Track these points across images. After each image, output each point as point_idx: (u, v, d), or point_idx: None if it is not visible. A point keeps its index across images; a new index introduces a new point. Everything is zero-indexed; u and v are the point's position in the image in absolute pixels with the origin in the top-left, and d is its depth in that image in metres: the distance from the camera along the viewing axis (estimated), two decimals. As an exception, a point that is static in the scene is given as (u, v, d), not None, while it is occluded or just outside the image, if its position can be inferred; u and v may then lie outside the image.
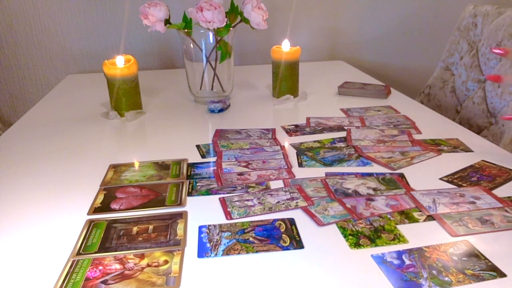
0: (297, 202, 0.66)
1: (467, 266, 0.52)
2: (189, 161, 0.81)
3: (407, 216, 0.62)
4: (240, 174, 0.76)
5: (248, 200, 0.67)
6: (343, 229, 0.60)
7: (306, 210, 0.64)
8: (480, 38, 1.30)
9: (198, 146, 0.88)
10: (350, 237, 0.58)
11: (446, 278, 0.50)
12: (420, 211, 0.63)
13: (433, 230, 0.59)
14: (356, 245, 0.56)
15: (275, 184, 0.72)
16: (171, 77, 1.45)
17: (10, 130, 1.01)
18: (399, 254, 0.54)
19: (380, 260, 0.53)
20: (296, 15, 1.59)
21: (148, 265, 0.53)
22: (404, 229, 0.60)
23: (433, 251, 0.54)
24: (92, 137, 0.95)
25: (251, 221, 0.62)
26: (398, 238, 0.57)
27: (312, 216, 0.63)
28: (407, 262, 0.53)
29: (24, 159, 0.85)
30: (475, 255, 0.54)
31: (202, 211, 0.65)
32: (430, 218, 0.62)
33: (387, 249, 0.55)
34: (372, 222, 0.61)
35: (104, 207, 0.67)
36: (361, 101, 1.15)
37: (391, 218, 0.62)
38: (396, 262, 0.53)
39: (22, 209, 0.67)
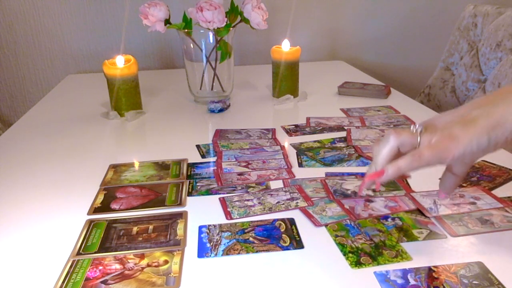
0: (297, 203, 0.66)
1: None
2: (189, 161, 0.81)
3: (405, 234, 0.58)
4: (240, 174, 0.76)
5: (248, 200, 0.67)
6: (342, 246, 0.56)
7: (303, 211, 0.64)
8: (480, 38, 1.30)
9: (198, 146, 0.88)
10: (350, 255, 0.54)
11: None
12: (420, 227, 0.59)
13: (438, 248, 0.56)
14: (358, 264, 0.53)
15: (275, 184, 0.72)
16: (171, 77, 1.45)
17: (10, 130, 1.01)
18: (405, 272, 0.51)
19: (383, 278, 0.50)
20: (296, 15, 1.59)
21: (148, 265, 0.53)
22: (407, 245, 0.56)
23: (442, 271, 0.51)
24: (92, 137, 0.95)
25: (251, 221, 0.62)
26: (400, 254, 0.54)
27: (309, 216, 0.63)
28: (412, 282, 0.49)
29: (24, 159, 0.85)
30: (488, 279, 0.49)
31: (202, 211, 0.65)
32: (430, 235, 0.58)
33: (391, 267, 0.52)
34: (372, 237, 0.58)
35: (104, 207, 0.67)
36: (361, 101, 1.15)
37: (392, 234, 0.58)
38: (399, 281, 0.49)
39: (22, 209, 0.67)
